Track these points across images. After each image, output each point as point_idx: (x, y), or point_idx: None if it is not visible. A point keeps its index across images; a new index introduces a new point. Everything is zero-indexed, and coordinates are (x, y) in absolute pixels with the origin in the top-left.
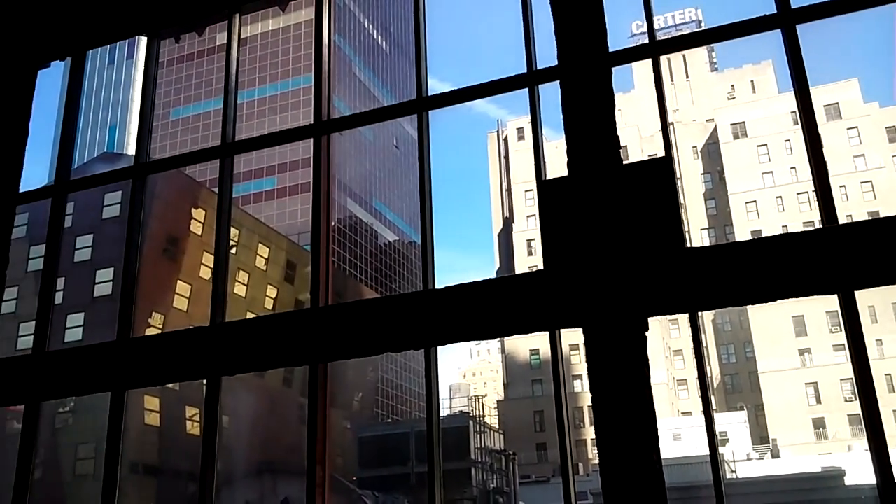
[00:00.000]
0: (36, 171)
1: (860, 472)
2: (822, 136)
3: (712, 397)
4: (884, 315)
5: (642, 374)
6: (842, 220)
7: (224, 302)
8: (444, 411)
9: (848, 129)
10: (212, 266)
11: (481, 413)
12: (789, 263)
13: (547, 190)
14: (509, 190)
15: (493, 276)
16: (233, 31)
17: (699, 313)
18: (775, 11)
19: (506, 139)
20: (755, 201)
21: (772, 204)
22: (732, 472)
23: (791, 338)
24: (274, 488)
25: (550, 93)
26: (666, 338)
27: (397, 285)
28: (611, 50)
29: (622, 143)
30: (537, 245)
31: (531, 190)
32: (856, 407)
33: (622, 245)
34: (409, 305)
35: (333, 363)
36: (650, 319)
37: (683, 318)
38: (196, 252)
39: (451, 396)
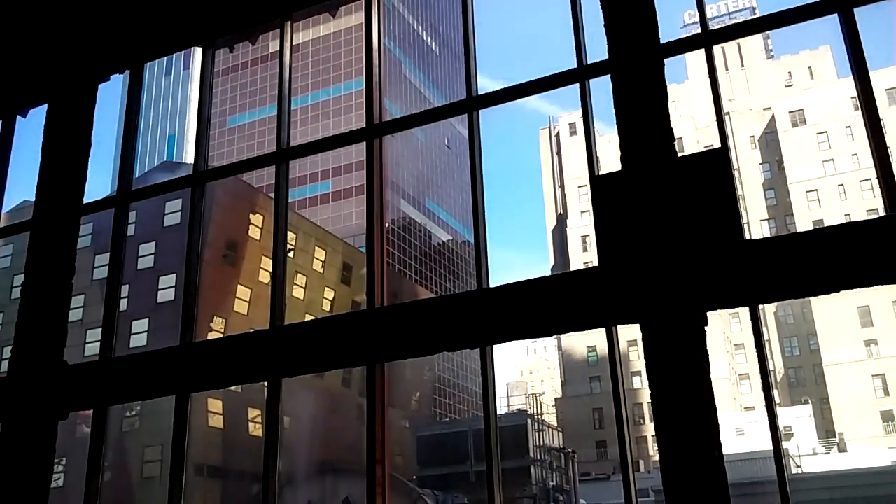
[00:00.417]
0: (99, 182)
1: None
2: (884, 120)
3: (775, 391)
4: None
5: (702, 370)
6: None
7: (283, 305)
8: (501, 409)
9: None
10: (270, 270)
11: (539, 411)
12: (853, 253)
13: (600, 185)
14: (562, 186)
15: (548, 273)
16: (285, 39)
17: (760, 306)
18: None
19: (557, 135)
20: (816, 190)
21: (833, 192)
22: (798, 467)
23: (856, 329)
24: (335, 488)
25: (602, 87)
26: (727, 332)
27: (452, 285)
28: (662, 41)
29: (677, 135)
30: (592, 241)
31: (584, 185)
32: None
33: (679, 239)
34: (463, 305)
35: (391, 363)
36: (709, 313)
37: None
38: (255, 257)
39: (509, 395)
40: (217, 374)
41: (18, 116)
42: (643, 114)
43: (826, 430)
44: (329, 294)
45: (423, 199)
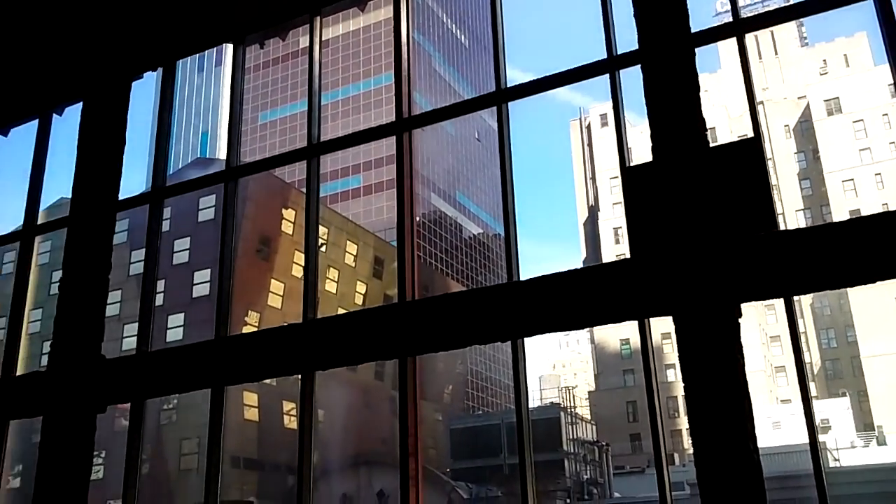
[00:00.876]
0: (134, 179)
1: None
2: None
3: (812, 384)
4: None
5: (736, 362)
6: None
7: (315, 299)
8: (534, 402)
9: None
10: (303, 264)
11: (572, 404)
12: (890, 242)
13: (632, 176)
14: (594, 178)
15: (580, 265)
16: (314, 34)
17: (795, 298)
18: None
19: (588, 126)
20: (852, 179)
21: (870, 181)
22: (835, 460)
23: (895, 319)
24: (369, 480)
25: (633, 77)
26: (762, 324)
27: (483, 278)
28: (694, 30)
29: (709, 125)
30: (624, 233)
31: (616, 177)
32: None
33: (712, 230)
34: (494, 298)
35: (423, 357)
36: (744, 305)
37: (780, 303)
38: (288, 251)
39: (542, 388)
40: (251, 368)
41: (54, 115)
42: (674, 104)
43: (864, 422)
44: (361, 288)
45: (454, 192)
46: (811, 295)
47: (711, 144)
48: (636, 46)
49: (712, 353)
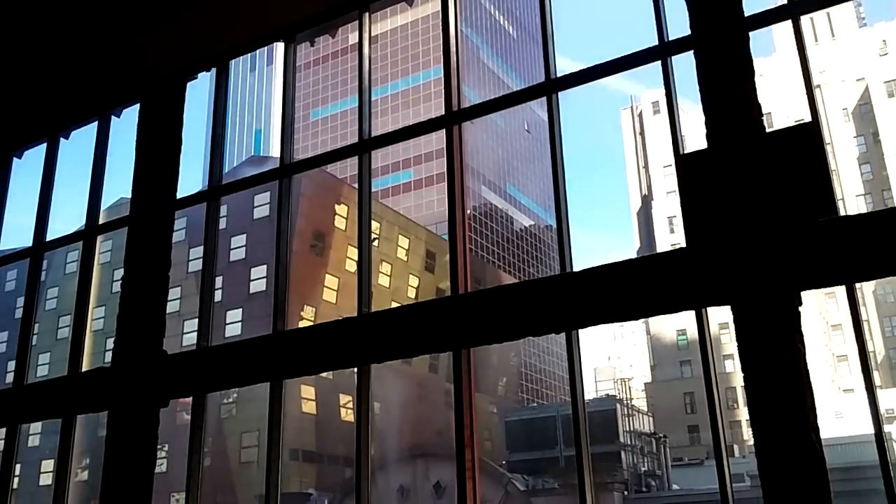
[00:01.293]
0: (190, 178)
1: None
2: None
3: (875, 373)
4: None
5: (797, 351)
6: None
7: (369, 293)
8: (589, 395)
9: None
10: (356, 259)
11: (628, 395)
12: None
13: (686, 164)
14: (646, 167)
15: (633, 256)
16: (363, 30)
17: (857, 285)
18: None
19: (640, 115)
20: None
21: None
22: None
23: None
24: (426, 472)
25: (686, 63)
26: (823, 312)
27: (535, 270)
28: (747, 14)
29: (765, 111)
30: (678, 222)
31: (669, 165)
32: None
33: (769, 217)
34: (547, 289)
35: (477, 349)
36: (804, 293)
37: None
38: (341, 246)
39: (597, 379)
40: (308, 361)
41: (113, 116)
42: (729, 89)
43: None
44: (413, 281)
45: (504, 184)
46: (873, 282)
47: (768, 130)
48: (688, 32)
49: (772, 342)
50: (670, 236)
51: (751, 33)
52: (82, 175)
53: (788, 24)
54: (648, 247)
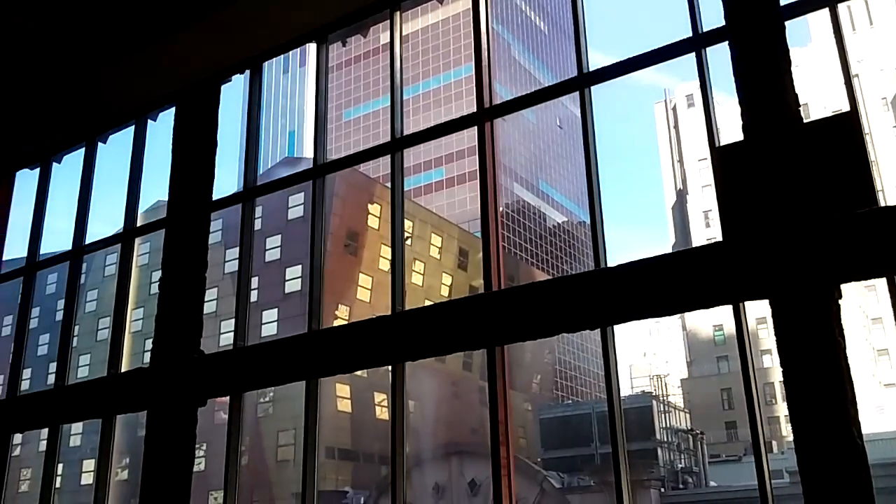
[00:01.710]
0: (225, 179)
1: None
2: None
3: None
4: None
5: (837, 345)
6: None
7: (403, 291)
8: (625, 391)
9: None
10: (389, 258)
11: (664, 392)
12: None
13: (722, 157)
14: (681, 161)
15: (669, 251)
16: (395, 29)
17: None
18: None
19: (674, 108)
20: None
21: None
22: None
23: None
24: (461, 470)
25: (720, 54)
26: (863, 305)
27: (569, 266)
28: (783, 3)
29: (802, 101)
30: (714, 216)
31: (704, 159)
32: None
33: (807, 209)
34: (582, 285)
35: (510, 346)
36: (843, 286)
37: (881, 284)
38: (375, 245)
39: (632, 376)
40: (343, 360)
41: (149, 120)
42: (765, 80)
43: None
44: (447, 279)
45: (537, 181)
46: None
47: (805, 121)
48: (722, 23)
49: (811, 336)
50: (706, 231)
51: (787, 23)
52: (120, 179)
53: (825, 12)
54: (684, 242)
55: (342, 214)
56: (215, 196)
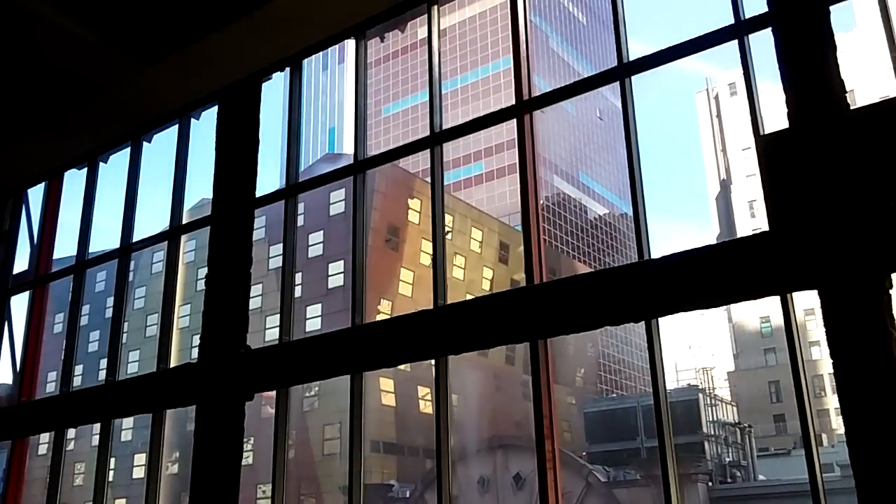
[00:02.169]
0: (266, 177)
1: None
2: None
3: None
4: None
5: (888, 335)
6: None
7: (444, 285)
8: (670, 384)
9: None
10: (430, 252)
11: (711, 385)
12: None
13: (767, 145)
14: (724, 150)
15: (713, 242)
16: (433, 24)
17: None
18: None
19: (716, 97)
20: None
21: None
22: None
23: None
24: (506, 464)
25: (763, 41)
26: None
27: (611, 259)
28: None
29: (848, 87)
30: (759, 206)
31: (748, 148)
32: None
33: (856, 197)
34: (625, 278)
35: (553, 340)
36: (894, 276)
37: None
38: (415, 240)
39: (678, 369)
40: (387, 354)
41: (192, 119)
42: (810, 67)
43: None
44: (488, 273)
45: (577, 173)
46: None
47: (852, 107)
48: (765, 9)
49: (862, 327)
50: (751, 221)
51: (831, 7)
52: (164, 177)
53: None
54: (728, 232)
55: (383, 210)
56: (258, 193)
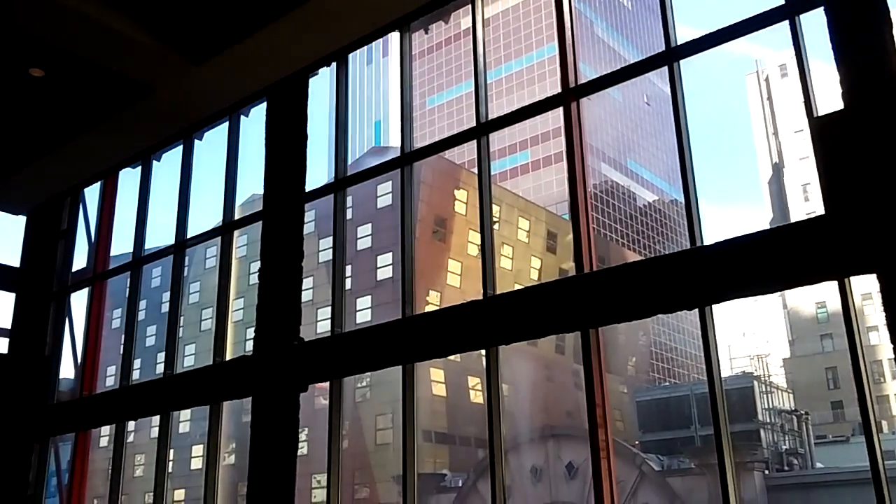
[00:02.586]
0: (313, 171)
1: None
2: None
3: None
4: None
5: None
6: None
7: (494, 275)
8: (724, 372)
9: None
10: (478, 243)
11: (766, 372)
12: None
13: (822, 127)
14: (776, 133)
15: (766, 226)
16: (477, 14)
17: None
18: None
19: (767, 79)
20: None
21: None
22: None
23: None
24: (558, 453)
25: (816, 21)
26: None
27: (661, 246)
28: None
29: None
30: (813, 189)
31: (801, 130)
32: None
33: None
34: (678, 265)
35: (604, 328)
36: None
37: None
38: (462, 231)
39: (731, 356)
40: (438, 344)
41: (241, 116)
42: (864, 45)
43: None
44: (536, 263)
45: (625, 160)
46: None
47: None
48: None
49: None
50: (805, 204)
51: None
52: (214, 174)
53: None
54: (782, 216)
55: (429, 201)
56: (307, 187)
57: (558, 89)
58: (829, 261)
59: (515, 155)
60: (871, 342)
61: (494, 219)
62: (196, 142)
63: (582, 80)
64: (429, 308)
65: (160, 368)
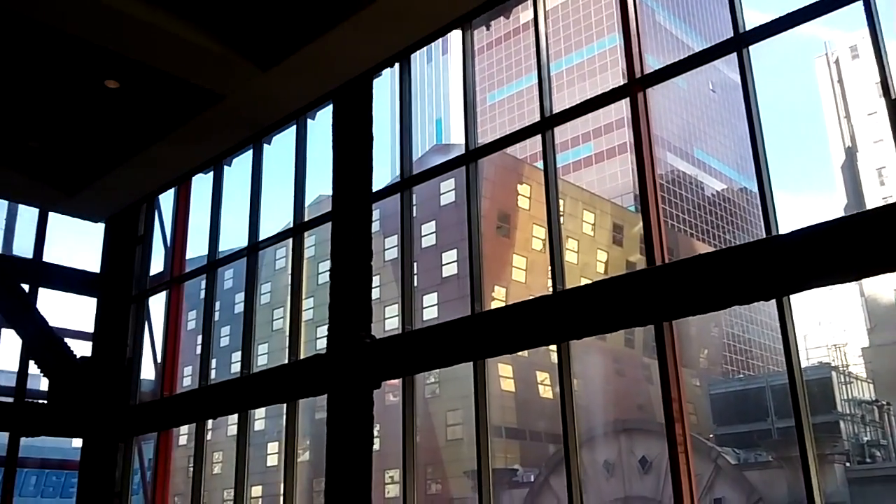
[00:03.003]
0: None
1: None
2: None
3: None
4: None
5: None
6: None
7: (562, 270)
8: (801, 363)
9: None
10: (543, 238)
11: (844, 362)
12: None
13: None
14: (847, 116)
15: (841, 213)
16: (538, 7)
17: None
18: None
19: (837, 61)
20: None
21: None
22: None
23: None
24: (631, 447)
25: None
26: None
27: (731, 236)
28: None
29: None
30: (888, 173)
31: (875, 112)
32: None
33: None
34: (753, 255)
35: (677, 321)
36: None
37: None
38: (526, 226)
39: (807, 346)
40: (508, 340)
41: (308, 119)
42: None
43: None
44: (602, 256)
45: (691, 149)
46: None
47: None
48: None
49: None
50: (880, 189)
51: None
52: (282, 177)
53: None
54: (856, 202)
55: (493, 197)
56: (373, 187)
57: (620, 80)
58: None
59: (578, 147)
60: None
61: (559, 213)
62: (265, 146)
63: (645, 70)
64: (495, 304)
65: (235, 368)
